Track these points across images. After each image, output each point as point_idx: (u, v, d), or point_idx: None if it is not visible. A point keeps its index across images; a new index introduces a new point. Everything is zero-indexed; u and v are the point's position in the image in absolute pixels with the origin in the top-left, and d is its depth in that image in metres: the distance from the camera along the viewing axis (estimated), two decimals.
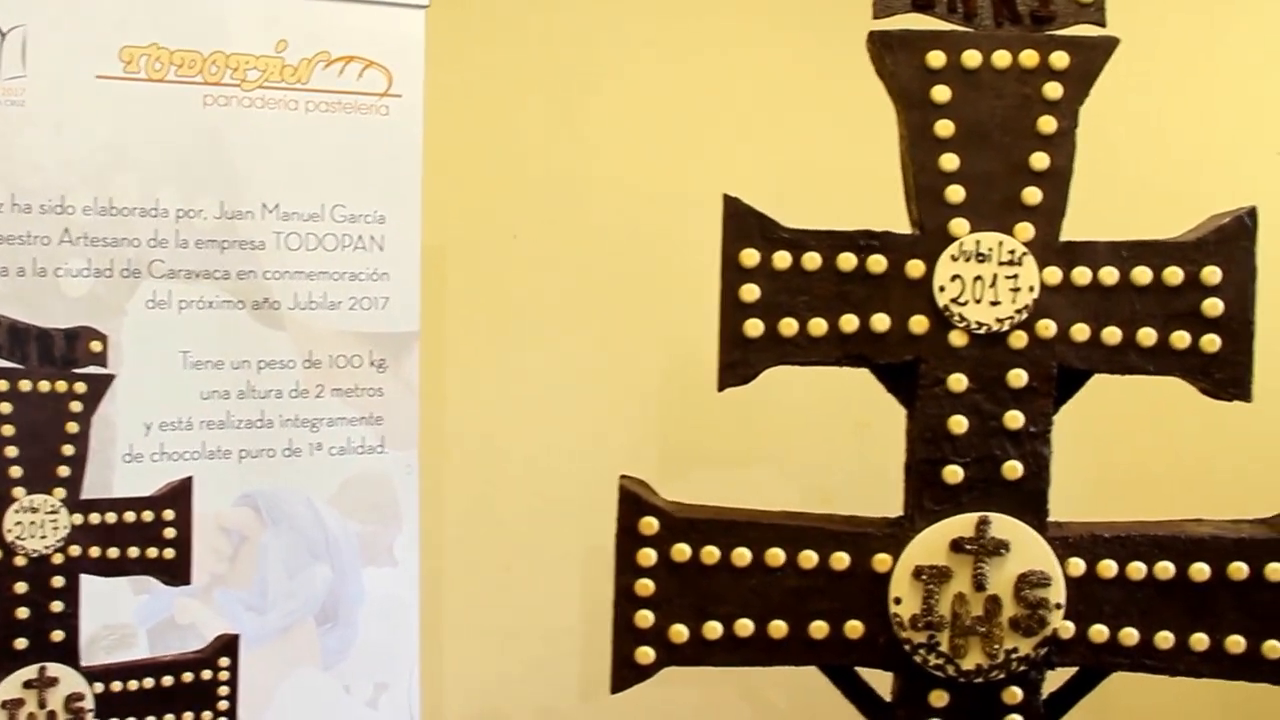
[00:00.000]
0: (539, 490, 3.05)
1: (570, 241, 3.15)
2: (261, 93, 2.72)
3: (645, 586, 1.77)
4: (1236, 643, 1.75)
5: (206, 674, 2.15)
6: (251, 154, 2.75)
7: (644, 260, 3.03)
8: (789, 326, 1.74)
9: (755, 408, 3.18)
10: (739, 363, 1.76)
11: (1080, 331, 1.74)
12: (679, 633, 1.77)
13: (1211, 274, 1.74)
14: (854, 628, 1.76)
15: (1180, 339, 1.74)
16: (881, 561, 1.75)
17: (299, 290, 2.45)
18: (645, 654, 1.77)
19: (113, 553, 2.08)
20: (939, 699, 1.76)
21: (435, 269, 3.18)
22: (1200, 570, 1.75)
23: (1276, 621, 1.75)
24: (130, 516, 2.09)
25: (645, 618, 1.77)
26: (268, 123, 2.74)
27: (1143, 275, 1.74)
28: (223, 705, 2.15)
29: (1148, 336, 1.74)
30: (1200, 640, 1.75)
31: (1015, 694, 1.76)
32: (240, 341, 2.68)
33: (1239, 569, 1.75)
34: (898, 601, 1.74)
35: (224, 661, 2.17)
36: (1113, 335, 1.74)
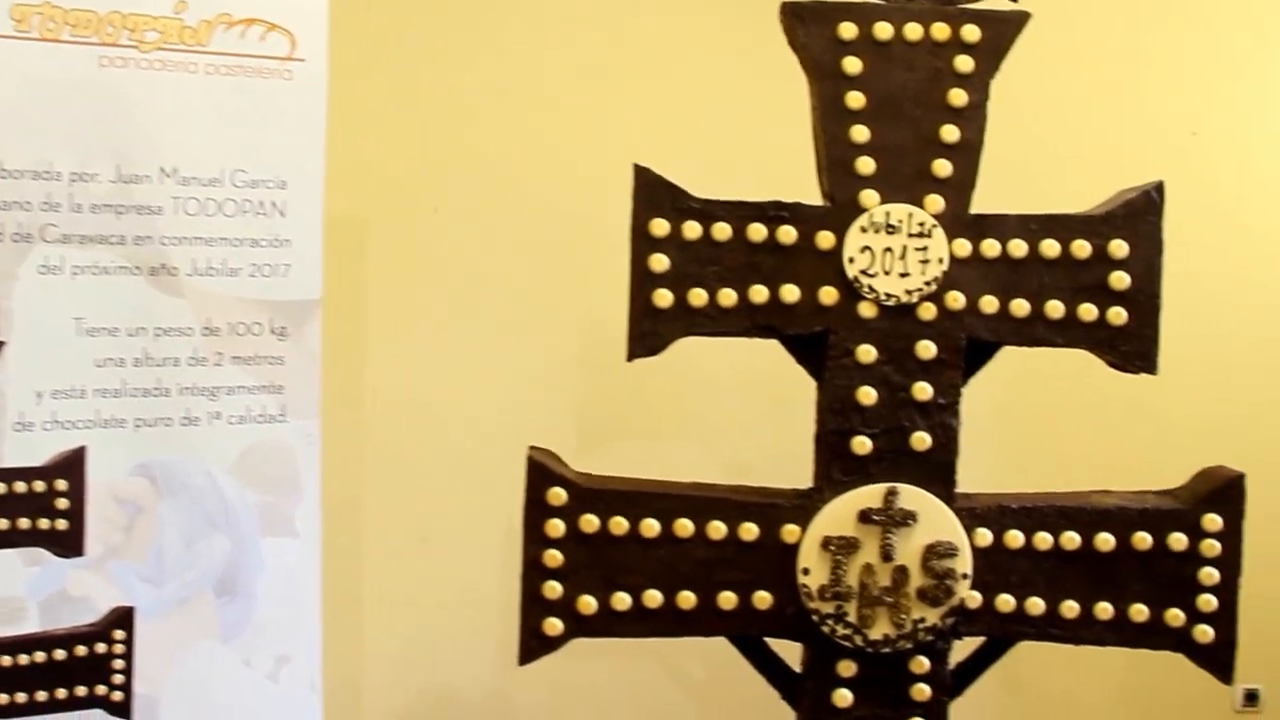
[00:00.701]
0: (456, 463, 3.02)
1: (489, 213, 3.11)
2: (160, 54, 2.65)
3: (553, 557, 1.75)
4: (1140, 611, 1.77)
5: (101, 647, 2.10)
6: (149, 117, 2.67)
7: (564, 232, 3.01)
8: (698, 297, 1.73)
9: (676, 382, 3.17)
10: (648, 333, 1.74)
11: (989, 304, 1.74)
12: (587, 604, 1.75)
13: (1119, 248, 1.75)
14: (762, 598, 1.75)
15: (1088, 312, 1.75)
16: (790, 532, 1.75)
17: (197, 256, 2.38)
18: (553, 625, 1.75)
19: (2, 524, 2.02)
20: (847, 669, 1.76)
21: (354, 239, 3.13)
22: (1105, 540, 1.76)
23: (1179, 591, 1.78)
24: (21, 487, 2.03)
25: (553, 589, 1.75)
26: (166, 85, 2.67)
27: (1051, 248, 1.75)
28: (118, 679, 2.10)
29: (1055, 309, 1.75)
30: (1105, 609, 1.77)
31: (923, 664, 1.77)
32: (136, 308, 2.60)
33: (1143, 539, 1.76)
34: (806, 572, 1.74)
35: (119, 635, 2.12)
36: (1021, 308, 1.75)
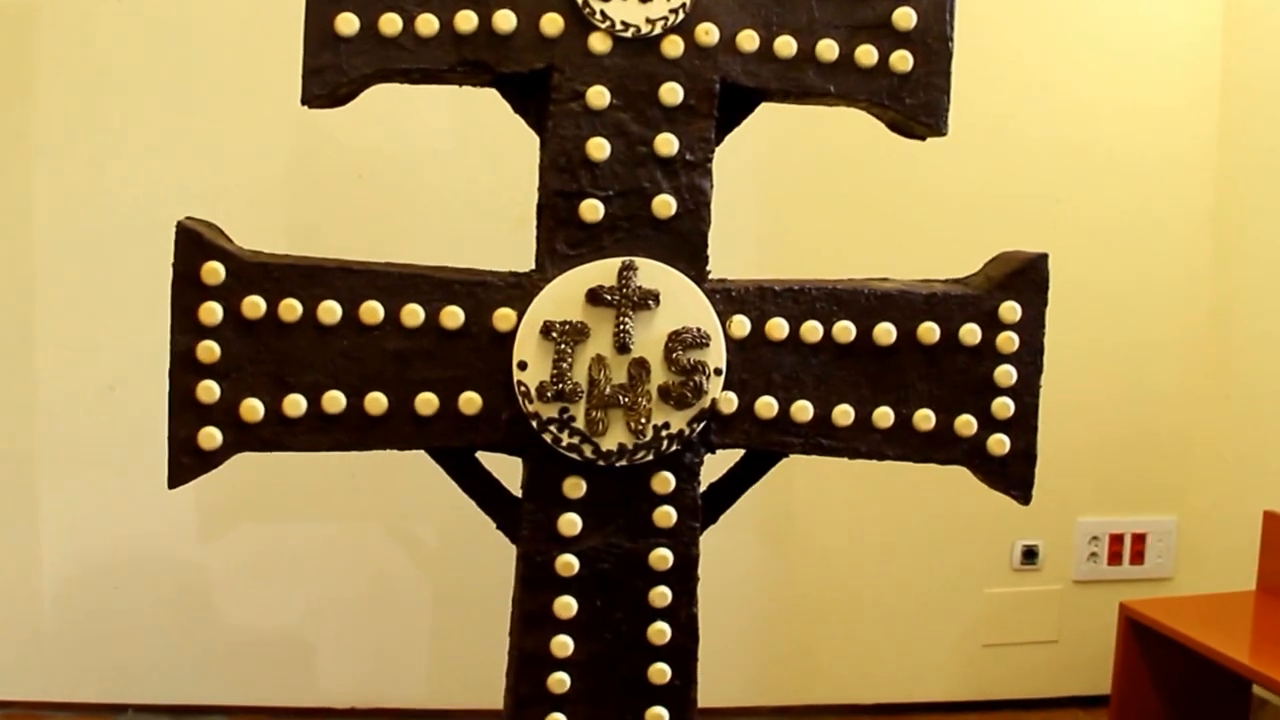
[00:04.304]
0: (142, 288, 2.64)
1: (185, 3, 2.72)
2: None
3: (209, 350, 1.40)
4: (925, 418, 1.48)
5: None
6: None
7: (271, 27, 2.60)
8: (391, 23, 1.40)
9: (401, 194, 2.81)
10: (328, 68, 1.40)
11: (748, 39, 1.43)
12: (252, 409, 1.40)
13: None
14: (470, 400, 1.42)
15: (866, 54, 1.45)
16: (503, 317, 1.42)
17: None
18: (210, 436, 1.40)
19: None
20: (574, 488, 1.44)
21: (24, 25, 2.74)
22: (885, 331, 1.46)
23: (971, 392, 1.49)
24: None
25: (209, 390, 1.40)
26: None
27: None
28: None
29: (829, 49, 1.44)
30: (884, 415, 1.47)
31: (667, 481, 1.45)
32: None
33: (929, 330, 1.47)
34: (523, 366, 1.41)
35: None
36: (787, 46, 1.44)
